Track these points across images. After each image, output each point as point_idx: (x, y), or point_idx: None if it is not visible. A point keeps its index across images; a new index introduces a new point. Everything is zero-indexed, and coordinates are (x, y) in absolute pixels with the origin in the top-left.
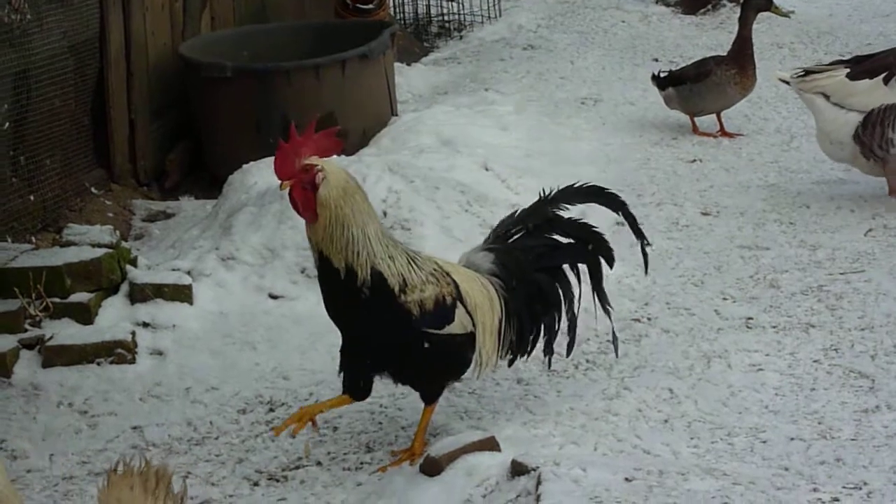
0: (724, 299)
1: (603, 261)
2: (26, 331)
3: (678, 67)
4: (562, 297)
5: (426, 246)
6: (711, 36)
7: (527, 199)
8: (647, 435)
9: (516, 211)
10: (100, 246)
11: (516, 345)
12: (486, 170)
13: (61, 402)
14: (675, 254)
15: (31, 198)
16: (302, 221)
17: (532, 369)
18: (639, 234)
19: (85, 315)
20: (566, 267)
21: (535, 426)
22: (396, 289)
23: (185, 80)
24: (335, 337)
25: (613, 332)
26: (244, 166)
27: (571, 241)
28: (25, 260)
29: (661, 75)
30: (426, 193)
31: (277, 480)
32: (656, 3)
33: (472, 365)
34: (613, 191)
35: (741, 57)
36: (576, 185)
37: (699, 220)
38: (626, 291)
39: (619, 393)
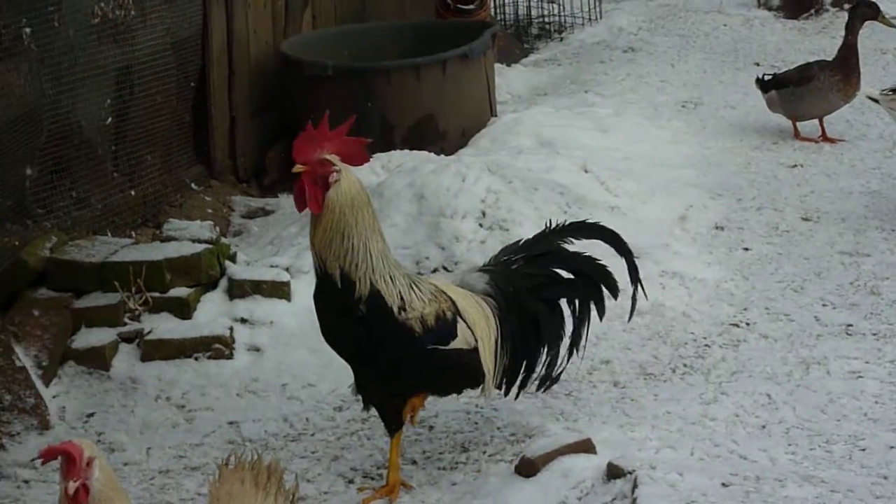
0: (824, 305)
1: (606, 293)
2: (125, 324)
3: (781, 71)
4: (556, 330)
5: None
6: (813, 41)
7: (625, 202)
8: (745, 440)
9: (520, 240)
10: (199, 241)
11: (509, 369)
12: (586, 172)
13: (159, 396)
14: (775, 259)
15: (132, 193)
16: (401, 219)
17: (629, 372)
18: (634, 279)
19: (184, 310)
20: (563, 301)
21: (632, 429)
22: (395, 307)
23: (286, 78)
24: None
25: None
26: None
27: (573, 275)
28: (126, 254)
29: (766, 78)
30: (525, 194)
31: (372, 479)
32: (758, 6)
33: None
34: (619, 234)
35: (846, 64)
36: (586, 222)
37: (799, 226)
38: (725, 296)
39: (717, 398)
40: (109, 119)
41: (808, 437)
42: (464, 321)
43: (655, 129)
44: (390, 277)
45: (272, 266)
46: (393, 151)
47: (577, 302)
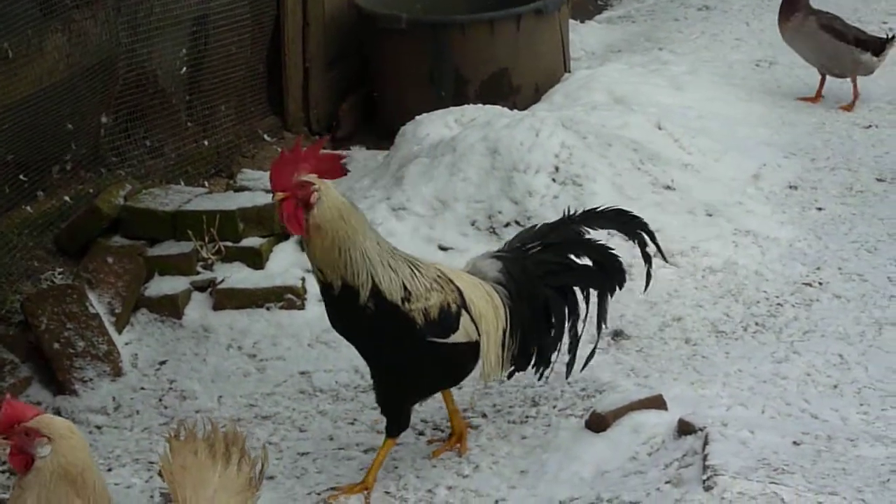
0: None
1: (615, 285)
2: (198, 273)
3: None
4: (566, 317)
5: (596, 202)
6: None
7: (699, 160)
8: (816, 400)
9: (536, 225)
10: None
11: (518, 357)
12: (659, 128)
13: (231, 345)
14: (849, 219)
15: (205, 143)
16: (474, 173)
17: (700, 329)
18: (647, 259)
19: (256, 260)
20: (576, 288)
21: (703, 387)
22: (399, 300)
23: (360, 31)
24: None
25: (593, 351)
26: (417, 117)
27: (586, 262)
28: (199, 203)
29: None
30: (599, 150)
31: (442, 430)
32: None
33: (476, 373)
34: (638, 217)
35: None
36: (600, 209)
37: (874, 187)
38: (798, 255)
39: (789, 357)
40: (184, 69)
41: (880, 398)
42: (468, 314)
43: (729, 87)
44: (392, 271)
45: None
46: (466, 106)
47: (589, 290)
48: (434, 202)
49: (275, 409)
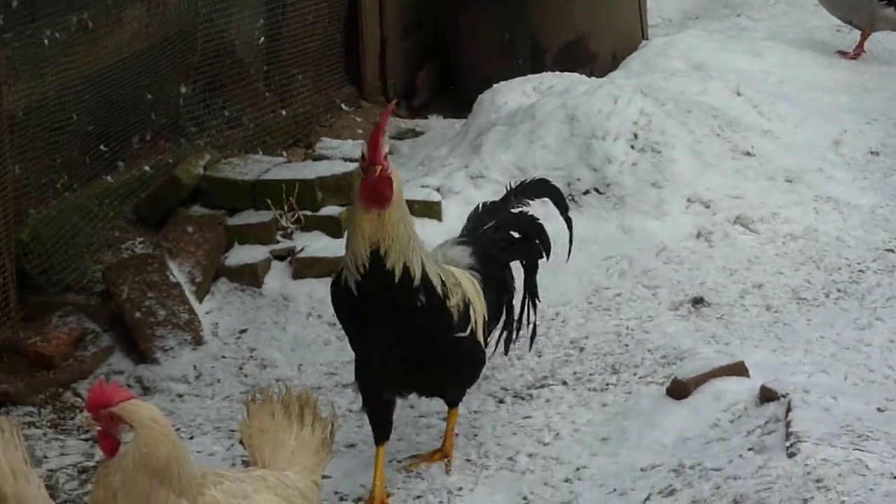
0: None
1: (542, 252)
2: (278, 242)
3: None
4: (514, 290)
5: (676, 170)
6: None
7: (778, 126)
8: None
9: (479, 205)
10: (351, 160)
11: (487, 335)
12: (738, 95)
13: (310, 314)
14: None
15: (283, 112)
16: (553, 141)
17: (781, 296)
18: (569, 223)
19: (335, 228)
20: (519, 262)
21: (785, 353)
22: (442, 294)
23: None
24: (583, 257)
25: (534, 327)
26: (494, 85)
27: (521, 235)
28: (278, 172)
29: None
30: (678, 117)
31: (523, 398)
32: None
33: None
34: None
35: None
36: (527, 181)
37: None
38: (880, 222)
39: (871, 323)
40: (262, 38)
41: None
42: (471, 305)
43: (809, 53)
44: (434, 265)
45: (423, 186)
46: (544, 73)
47: (526, 260)
48: (512, 170)
49: (351, 378)
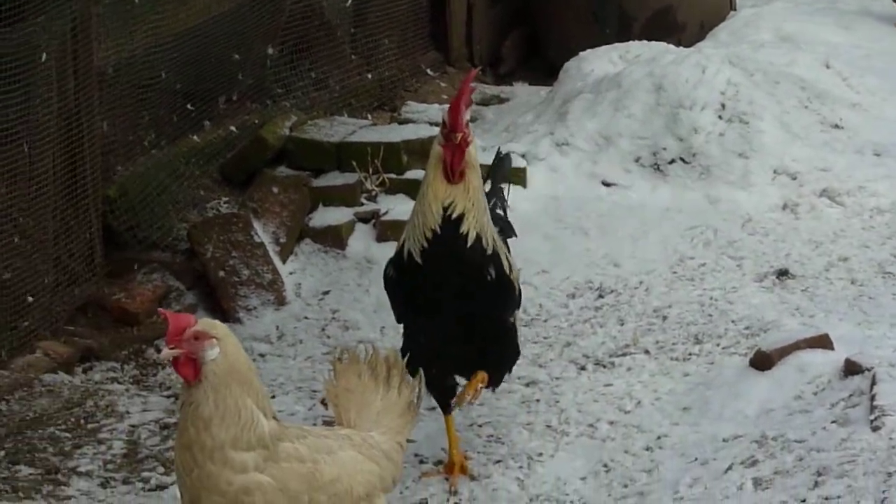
0: None
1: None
2: (362, 204)
3: None
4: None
5: (763, 141)
6: None
7: (867, 99)
8: None
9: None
10: (436, 125)
11: None
12: (827, 67)
13: None
14: None
15: (369, 76)
16: (639, 109)
17: (867, 270)
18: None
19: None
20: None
21: (869, 327)
22: (507, 266)
23: None
24: (668, 227)
25: None
26: (581, 54)
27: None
28: (364, 135)
29: None
30: (766, 87)
31: (604, 366)
32: None
33: None
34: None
35: None
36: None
37: None
38: None
39: None
40: (349, 1)
41: None
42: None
43: None
44: (499, 233)
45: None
46: (630, 42)
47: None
48: (598, 138)
49: None
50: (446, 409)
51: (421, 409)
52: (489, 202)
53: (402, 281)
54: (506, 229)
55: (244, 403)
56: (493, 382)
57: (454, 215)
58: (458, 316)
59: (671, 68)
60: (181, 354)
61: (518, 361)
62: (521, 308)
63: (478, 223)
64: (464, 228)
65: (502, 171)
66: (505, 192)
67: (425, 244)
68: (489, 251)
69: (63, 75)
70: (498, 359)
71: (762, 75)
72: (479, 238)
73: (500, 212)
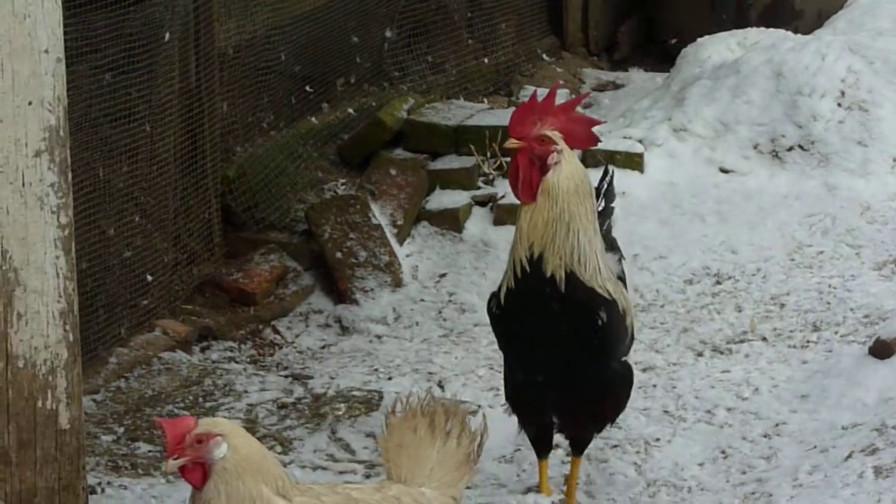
0: None
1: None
2: (479, 188)
3: None
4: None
5: (883, 129)
6: None
7: None
8: None
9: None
10: None
11: None
12: None
13: None
14: None
15: (485, 60)
16: (757, 96)
17: None
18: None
19: None
20: None
21: None
22: (622, 311)
23: None
24: (786, 214)
25: None
26: (698, 40)
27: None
28: (481, 118)
29: None
30: (886, 76)
31: (721, 353)
32: None
33: None
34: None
35: None
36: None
37: None
38: None
39: None
40: None
41: None
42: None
43: None
44: (616, 279)
45: (625, 137)
46: (748, 29)
47: None
48: (716, 124)
49: None
50: (541, 452)
51: None
52: (603, 224)
53: (497, 316)
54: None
55: (259, 492)
56: (581, 444)
57: (535, 255)
58: (553, 360)
59: (790, 55)
60: (187, 462)
61: (634, 347)
62: (639, 293)
63: (565, 263)
64: (548, 269)
65: (613, 190)
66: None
67: (513, 283)
68: (589, 297)
69: (185, 55)
70: (598, 410)
71: (882, 63)
72: (569, 279)
73: (614, 235)
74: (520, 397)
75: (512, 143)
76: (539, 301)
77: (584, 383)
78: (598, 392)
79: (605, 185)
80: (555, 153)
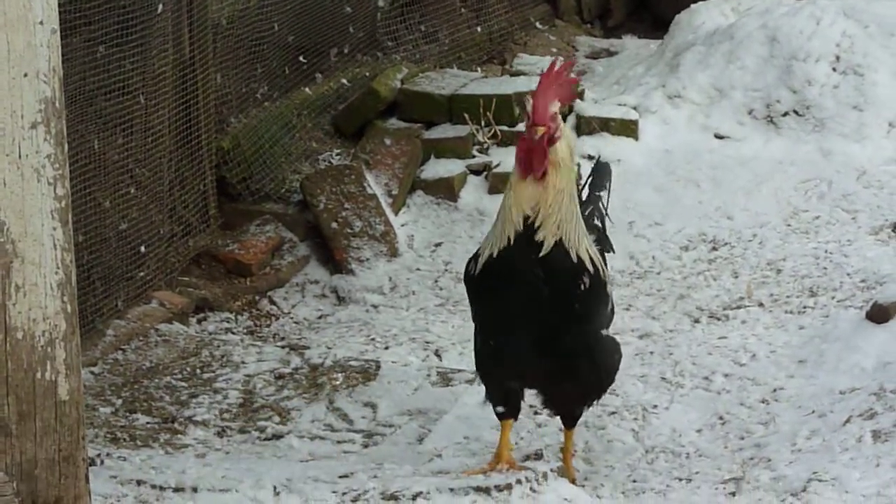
0: None
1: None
2: (474, 157)
3: None
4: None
5: (878, 93)
6: None
7: None
8: None
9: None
10: None
11: None
12: None
13: None
14: None
15: (478, 29)
16: (752, 62)
17: None
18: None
19: None
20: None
21: None
22: (604, 277)
23: None
24: (781, 179)
25: None
26: (692, 6)
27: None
28: (475, 87)
29: None
30: (881, 40)
31: (718, 319)
32: None
33: None
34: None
35: None
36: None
37: None
38: None
39: None
40: None
41: None
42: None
43: None
44: (594, 243)
45: (620, 105)
46: None
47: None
48: (710, 90)
49: None
50: (502, 415)
51: None
52: (585, 210)
53: (476, 282)
54: (602, 242)
55: None
56: (571, 419)
57: (536, 223)
58: (534, 327)
59: (785, 20)
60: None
61: (631, 314)
62: (635, 261)
63: (560, 230)
64: (541, 235)
65: (600, 179)
66: (605, 202)
67: (502, 247)
68: (580, 262)
69: (178, 26)
70: (585, 381)
71: (877, 27)
72: (558, 245)
73: (597, 223)
74: (493, 362)
75: (541, 130)
76: (524, 265)
77: (563, 350)
78: (578, 360)
79: (594, 171)
80: (560, 126)
